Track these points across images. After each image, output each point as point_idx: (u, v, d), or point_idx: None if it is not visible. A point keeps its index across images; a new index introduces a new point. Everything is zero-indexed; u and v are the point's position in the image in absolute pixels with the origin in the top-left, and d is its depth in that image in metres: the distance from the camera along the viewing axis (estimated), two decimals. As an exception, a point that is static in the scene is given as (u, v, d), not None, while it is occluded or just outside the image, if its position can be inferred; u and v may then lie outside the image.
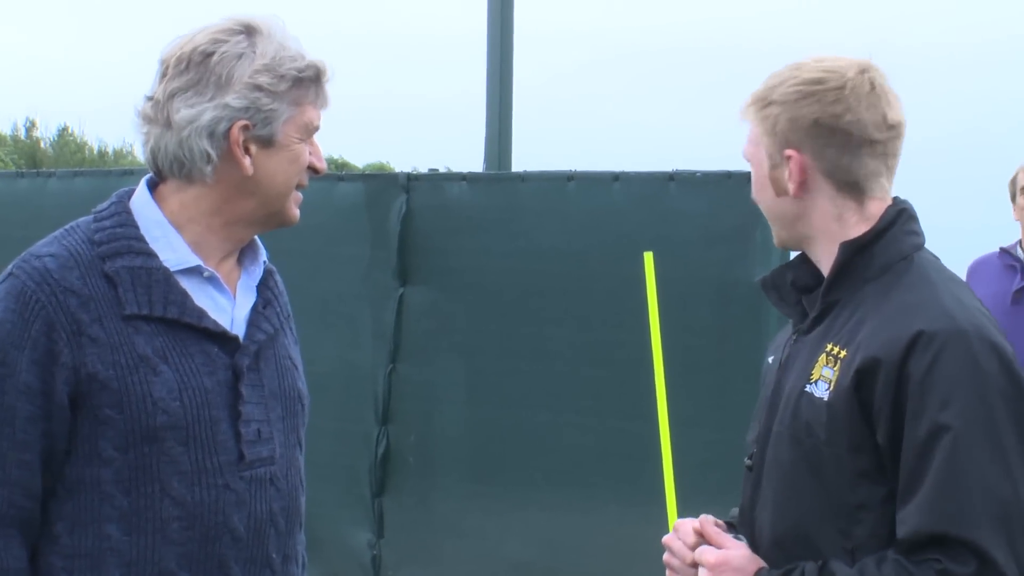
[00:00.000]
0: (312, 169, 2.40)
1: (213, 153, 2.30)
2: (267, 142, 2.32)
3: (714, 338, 6.01)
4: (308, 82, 2.34)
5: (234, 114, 2.29)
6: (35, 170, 9.57)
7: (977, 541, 2.16)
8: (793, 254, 2.52)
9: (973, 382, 2.19)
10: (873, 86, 2.31)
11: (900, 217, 2.35)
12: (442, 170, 7.33)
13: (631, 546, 6.11)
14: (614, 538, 6.20)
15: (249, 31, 2.33)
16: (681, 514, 5.58)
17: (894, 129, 2.33)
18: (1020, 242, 5.37)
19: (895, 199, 2.38)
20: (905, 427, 2.20)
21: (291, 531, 2.41)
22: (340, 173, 7.82)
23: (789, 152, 2.33)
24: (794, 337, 2.41)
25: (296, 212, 2.41)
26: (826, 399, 2.27)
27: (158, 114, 2.32)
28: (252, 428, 2.33)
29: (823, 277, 2.38)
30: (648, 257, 5.78)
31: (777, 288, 2.44)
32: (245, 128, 2.30)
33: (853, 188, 2.33)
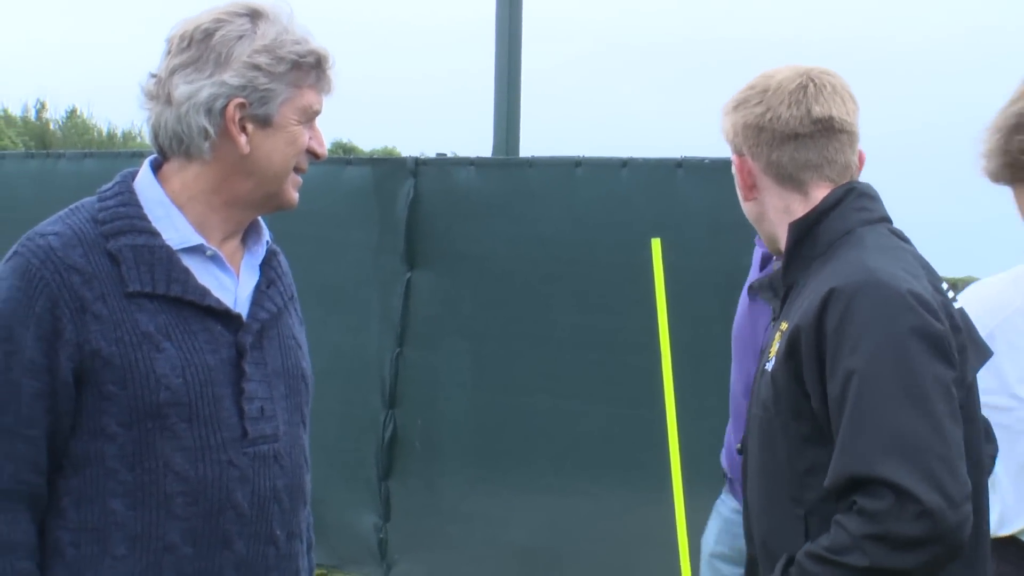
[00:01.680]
0: (312, 153, 2.40)
1: (211, 129, 2.31)
2: (264, 122, 2.33)
3: (721, 325, 5.99)
4: (308, 67, 2.35)
5: (231, 92, 2.30)
6: (45, 151, 9.57)
7: (887, 476, 2.16)
8: None
9: (881, 324, 2.23)
10: (803, 87, 2.45)
11: (848, 196, 2.44)
12: (450, 155, 7.33)
13: (637, 531, 6.12)
14: (620, 523, 6.22)
15: (254, 14, 2.35)
16: (687, 500, 5.60)
17: (820, 123, 2.43)
18: None
19: (850, 181, 2.48)
20: (827, 385, 2.25)
21: (295, 508, 2.43)
22: (348, 157, 7.83)
23: (734, 157, 2.50)
24: (772, 323, 2.52)
25: (295, 195, 2.41)
26: (770, 371, 2.36)
27: (160, 91, 2.34)
28: (255, 405, 2.35)
29: None
30: (656, 243, 5.78)
31: (773, 288, 2.54)
32: (241, 106, 2.31)
33: (791, 180, 2.46)
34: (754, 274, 3.86)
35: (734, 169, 2.53)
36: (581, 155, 6.44)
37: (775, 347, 2.38)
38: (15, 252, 2.30)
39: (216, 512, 2.30)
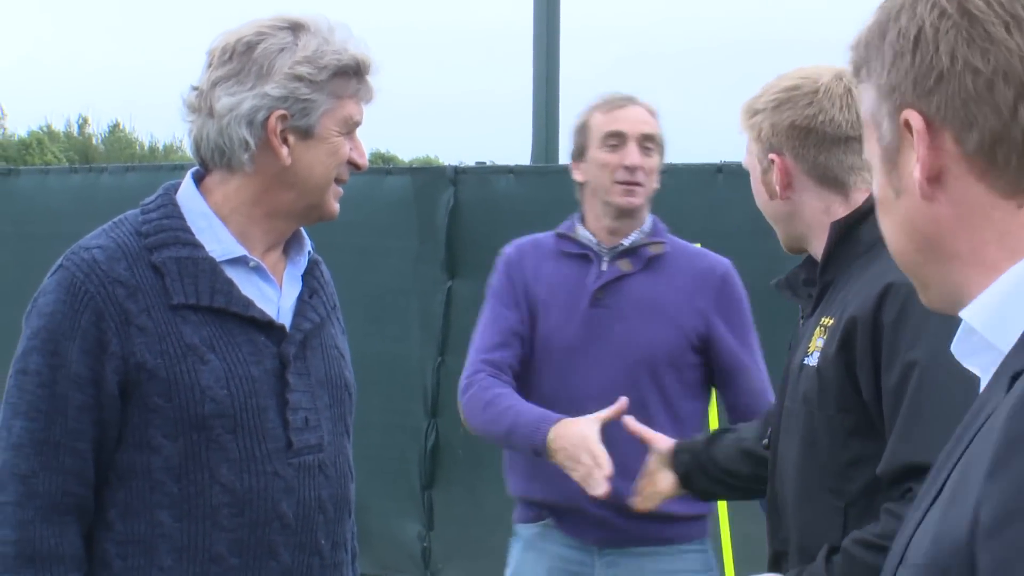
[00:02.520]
0: (353, 164, 2.41)
1: (252, 142, 2.32)
2: (305, 133, 2.34)
3: (762, 330, 5.97)
4: (349, 73, 2.35)
5: (273, 103, 2.31)
6: (88, 165, 9.65)
7: None
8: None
9: (940, 319, 2.22)
10: (848, 89, 2.44)
11: None
12: (489, 163, 7.33)
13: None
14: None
15: (295, 27, 2.35)
16: (730, 508, 5.58)
17: None
18: (582, 218, 3.70)
19: None
20: (882, 376, 2.27)
21: (340, 518, 2.43)
22: (388, 167, 7.85)
23: (772, 156, 2.49)
24: (801, 321, 2.55)
25: (335, 206, 2.42)
26: (815, 365, 2.38)
27: (202, 103, 2.35)
28: (299, 416, 2.36)
29: None
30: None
31: (791, 287, 2.58)
32: (283, 118, 2.32)
33: (835, 183, 2.47)
34: (591, 280, 3.64)
35: (758, 165, 2.51)
36: (620, 161, 6.42)
37: (815, 342, 2.40)
38: (60, 266, 2.31)
39: (262, 523, 2.31)
